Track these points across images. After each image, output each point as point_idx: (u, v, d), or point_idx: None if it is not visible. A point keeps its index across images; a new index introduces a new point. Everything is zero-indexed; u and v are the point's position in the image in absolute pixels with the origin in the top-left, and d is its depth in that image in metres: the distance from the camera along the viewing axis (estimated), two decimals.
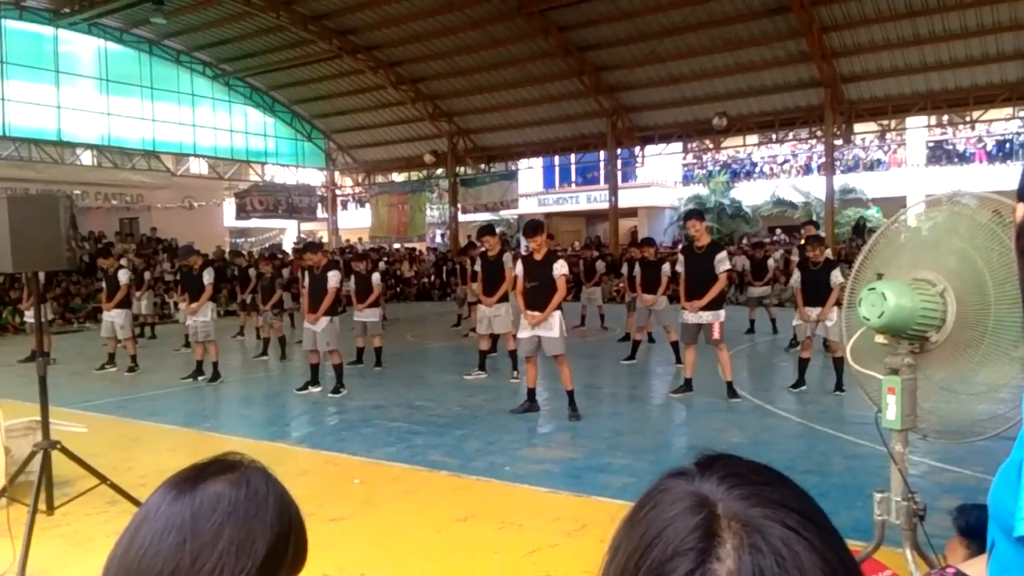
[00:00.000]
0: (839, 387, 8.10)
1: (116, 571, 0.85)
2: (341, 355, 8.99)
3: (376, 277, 10.69)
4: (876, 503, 2.36)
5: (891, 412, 2.25)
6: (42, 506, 4.40)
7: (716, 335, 7.87)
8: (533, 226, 7.62)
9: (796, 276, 8.86)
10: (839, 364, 7.94)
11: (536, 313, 7.25)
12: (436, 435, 6.79)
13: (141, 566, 0.83)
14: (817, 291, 8.30)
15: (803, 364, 8.48)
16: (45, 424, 4.52)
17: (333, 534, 4.35)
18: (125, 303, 10.95)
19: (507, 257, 9.69)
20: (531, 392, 7.63)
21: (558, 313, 7.30)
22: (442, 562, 4.02)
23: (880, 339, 2.20)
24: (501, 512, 4.71)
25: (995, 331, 1.99)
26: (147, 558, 0.83)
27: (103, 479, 4.56)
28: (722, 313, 7.98)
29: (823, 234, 18.93)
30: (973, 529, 1.80)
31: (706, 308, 7.87)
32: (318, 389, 8.97)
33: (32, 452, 4.53)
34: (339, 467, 5.90)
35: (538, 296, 7.31)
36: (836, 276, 8.18)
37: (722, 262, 7.88)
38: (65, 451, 4.53)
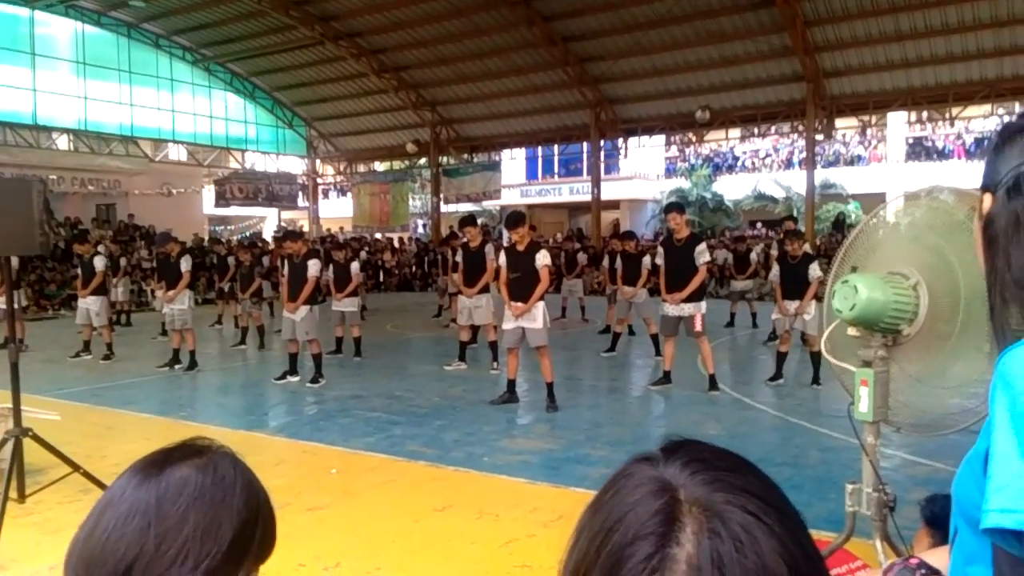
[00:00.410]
0: (816, 380, 8.18)
1: (79, 555, 0.84)
2: (320, 344, 8.95)
3: (355, 267, 10.64)
4: (847, 494, 2.39)
5: (863, 404, 2.28)
6: (13, 494, 4.35)
7: (698, 327, 7.91)
8: (515, 218, 7.62)
9: (775, 270, 8.93)
10: (816, 358, 8.02)
11: (520, 304, 7.25)
12: (415, 425, 6.79)
13: (105, 550, 0.82)
14: (796, 285, 8.38)
15: (781, 358, 8.56)
16: (17, 411, 4.46)
17: (310, 524, 4.33)
18: (101, 290, 10.82)
19: (489, 248, 9.68)
20: (511, 383, 7.63)
21: (541, 304, 7.32)
22: (419, 552, 4.02)
23: (852, 331, 2.22)
24: (479, 502, 4.72)
25: (965, 325, 2.02)
26: (111, 542, 0.83)
27: (76, 467, 4.52)
28: (703, 305, 8.02)
29: (802, 229, 19.11)
30: (938, 519, 1.83)
31: (687, 300, 7.91)
32: (297, 378, 8.93)
33: (3, 439, 4.47)
34: (317, 457, 5.88)
35: (521, 287, 7.32)
36: (814, 270, 8.26)
37: (702, 254, 7.93)
38: (37, 439, 4.48)
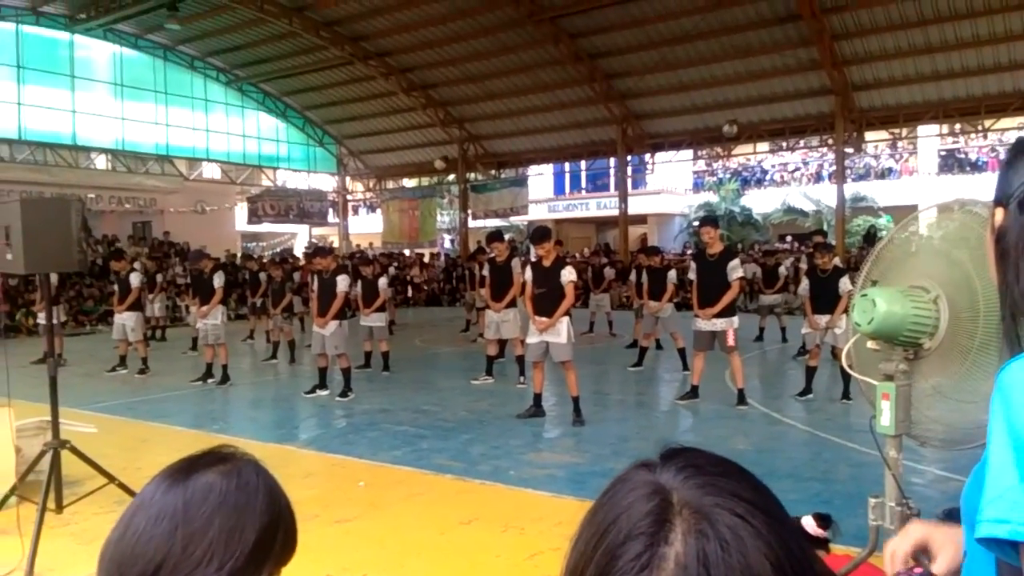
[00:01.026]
0: (846, 395, 8.09)
1: (111, 556, 0.89)
2: (349, 359, 9.05)
3: (383, 282, 10.74)
4: (871, 508, 2.38)
5: (885, 417, 2.27)
6: (51, 505, 4.46)
7: (731, 342, 7.88)
8: (541, 233, 7.66)
9: (805, 284, 8.86)
10: (846, 373, 7.93)
11: (545, 319, 7.28)
12: (442, 439, 6.83)
13: (135, 552, 0.87)
14: (826, 299, 8.31)
15: (810, 372, 8.47)
16: (55, 424, 4.58)
17: (338, 535, 4.39)
18: (137, 306, 11.04)
19: (515, 263, 9.73)
20: (537, 397, 7.65)
21: (566, 319, 7.33)
22: (445, 564, 4.05)
23: (872, 345, 2.22)
24: (504, 516, 4.74)
25: (984, 340, 2.01)
26: (140, 544, 0.87)
27: (111, 479, 4.63)
28: (735, 320, 7.99)
29: (833, 242, 18.91)
30: None
31: (719, 316, 7.88)
32: (326, 392, 9.03)
33: (42, 451, 4.59)
34: (345, 470, 5.94)
35: (547, 302, 7.34)
36: (845, 283, 8.18)
37: (735, 269, 7.90)
38: (75, 451, 4.59)
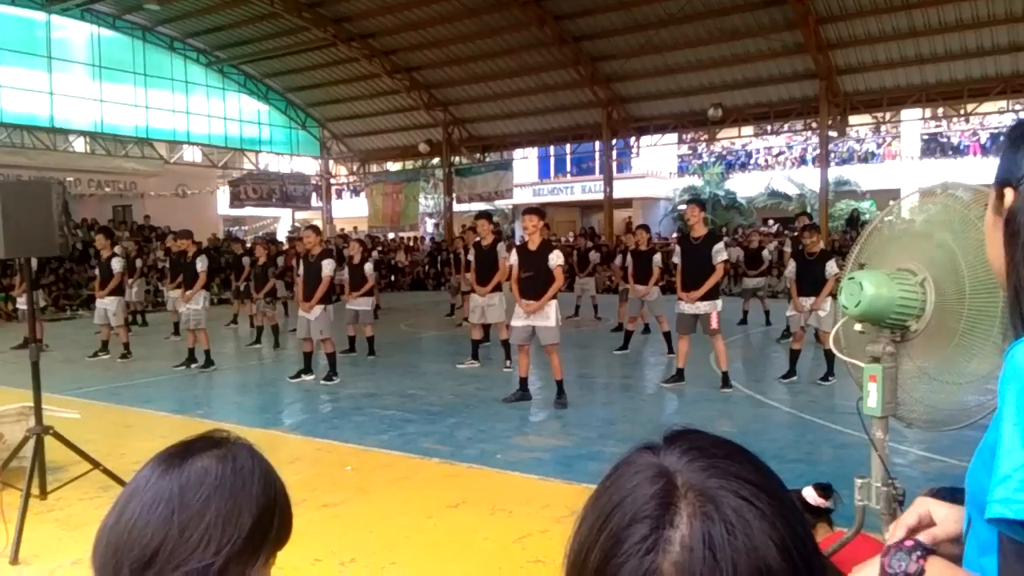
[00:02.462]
0: (827, 376, 8.16)
1: (106, 541, 0.88)
2: (334, 344, 9.02)
3: (369, 267, 10.69)
4: (857, 488, 2.40)
5: (872, 399, 2.29)
6: (35, 491, 4.43)
7: (714, 325, 7.92)
8: (534, 209, 7.64)
9: (791, 266, 8.90)
10: (830, 354, 8.01)
11: (532, 302, 7.27)
12: (428, 423, 6.84)
13: (131, 536, 0.87)
14: (811, 281, 8.36)
15: (794, 355, 8.54)
16: (38, 410, 4.54)
17: (325, 520, 4.39)
18: (118, 291, 10.93)
19: (501, 247, 9.71)
20: (523, 381, 7.66)
21: (554, 303, 7.33)
22: (433, 547, 4.06)
23: (858, 327, 2.23)
24: (492, 499, 4.76)
25: (971, 322, 2.03)
26: (136, 529, 0.87)
27: (96, 464, 4.60)
28: (719, 303, 8.03)
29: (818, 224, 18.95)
30: None
31: (703, 299, 7.91)
32: (311, 377, 9.00)
33: (25, 438, 4.55)
34: (331, 454, 5.94)
35: (534, 286, 7.32)
36: (832, 267, 8.22)
37: (719, 252, 7.92)
38: (58, 436, 4.56)
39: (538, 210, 7.64)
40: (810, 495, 2.80)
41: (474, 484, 5.12)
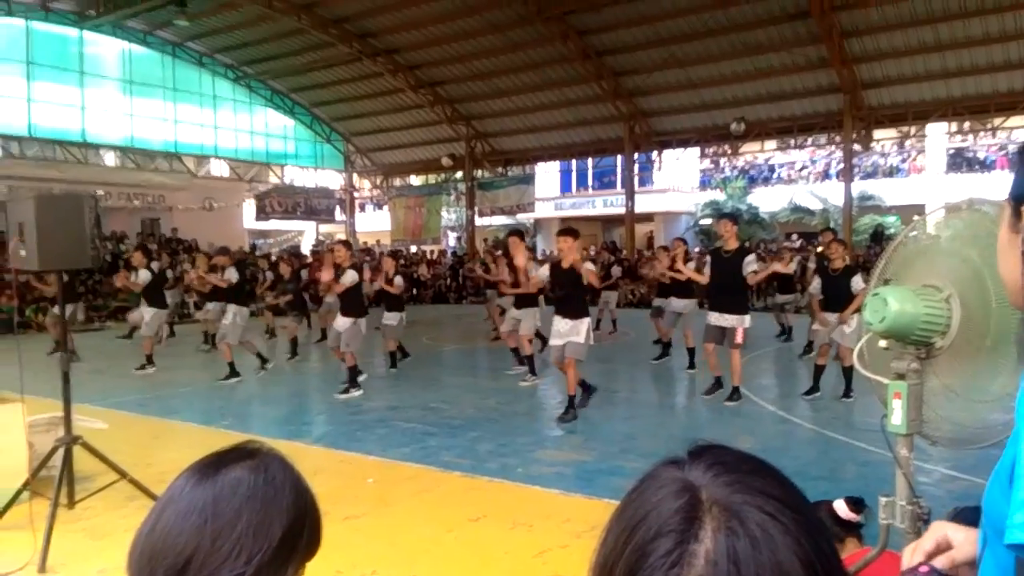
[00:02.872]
0: (847, 394, 8.09)
1: (142, 549, 0.91)
2: (355, 357, 9.04)
3: (399, 280, 10.67)
4: (881, 507, 2.38)
5: (896, 417, 2.27)
6: (63, 500, 4.49)
7: (739, 340, 7.90)
8: (569, 230, 7.71)
9: (816, 283, 8.81)
10: (848, 372, 7.95)
11: (567, 320, 7.32)
12: (450, 436, 6.85)
13: (166, 544, 0.89)
14: (837, 296, 8.25)
15: (818, 371, 8.45)
16: (67, 420, 4.61)
17: (347, 532, 4.41)
18: (158, 302, 11.16)
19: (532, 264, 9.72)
20: (572, 399, 7.49)
21: (588, 320, 7.38)
22: (453, 561, 4.07)
23: (883, 343, 2.22)
24: (512, 513, 4.76)
25: (996, 339, 2.02)
26: (171, 537, 0.89)
27: (123, 474, 4.65)
28: (747, 319, 8.01)
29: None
30: None
31: (732, 312, 7.91)
32: (360, 392, 8.91)
33: (54, 447, 4.62)
34: (354, 466, 5.97)
35: (567, 304, 7.38)
36: (857, 282, 8.11)
37: (750, 264, 7.90)
38: (86, 447, 4.62)
39: (572, 231, 7.64)
40: (841, 508, 2.77)
41: (495, 498, 5.12)
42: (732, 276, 7.90)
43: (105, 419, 6.07)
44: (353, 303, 9.17)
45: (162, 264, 14.77)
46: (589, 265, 7.47)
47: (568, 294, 7.39)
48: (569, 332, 7.31)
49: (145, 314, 11.00)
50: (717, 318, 8.00)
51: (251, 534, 0.90)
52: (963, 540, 1.16)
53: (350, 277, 8.98)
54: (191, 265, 17.07)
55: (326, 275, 9.07)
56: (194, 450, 1.01)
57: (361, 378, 9.23)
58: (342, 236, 31.95)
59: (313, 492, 1.00)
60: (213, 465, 0.95)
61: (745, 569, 0.58)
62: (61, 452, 4.53)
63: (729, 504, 0.62)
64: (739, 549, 0.59)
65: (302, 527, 0.96)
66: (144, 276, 11.01)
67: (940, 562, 1.14)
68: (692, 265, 10.53)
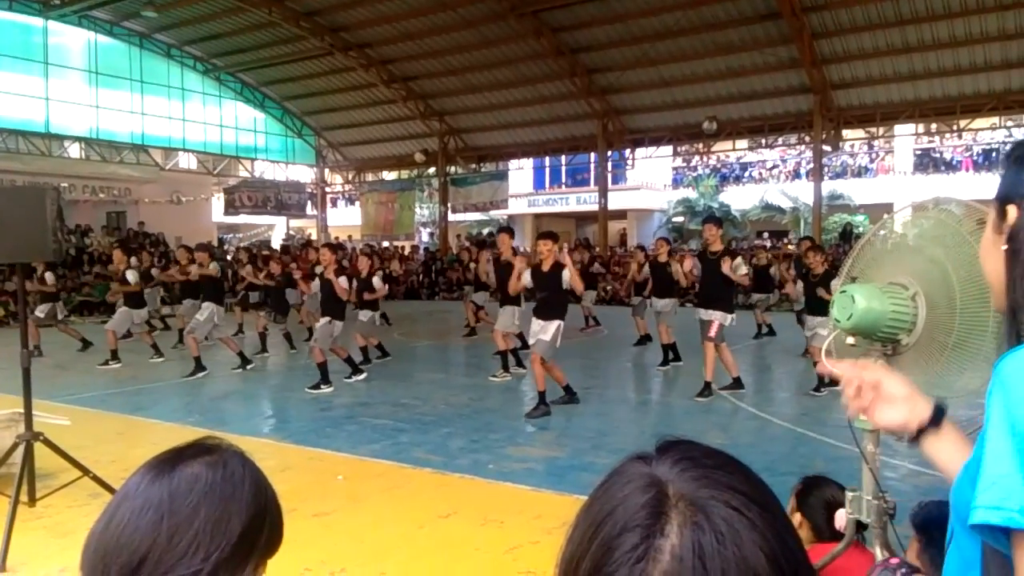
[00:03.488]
0: (818, 388, 8.23)
1: (95, 547, 0.88)
2: (324, 354, 9.01)
3: (378, 280, 10.60)
4: (847, 502, 2.40)
5: None
6: (24, 498, 4.40)
7: (712, 333, 8.08)
8: (548, 233, 7.97)
9: (799, 288, 9.03)
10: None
11: (542, 321, 7.57)
12: (421, 433, 6.82)
13: (120, 542, 0.86)
14: (821, 301, 8.37)
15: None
16: (28, 416, 4.51)
17: (316, 529, 4.37)
18: (140, 302, 11.19)
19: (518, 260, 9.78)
20: (542, 396, 7.59)
21: (558, 323, 7.52)
22: (424, 558, 4.05)
23: (850, 340, 2.24)
24: (483, 509, 4.75)
25: (962, 337, 2.04)
26: (125, 535, 0.86)
27: (85, 471, 4.57)
28: (729, 317, 8.19)
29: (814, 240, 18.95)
30: (924, 524, 1.85)
31: (714, 308, 8.14)
32: (360, 378, 9.30)
33: (15, 444, 4.53)
34: (323, 463, 5.92)
35: (545, 306, 7.60)
36: (836, 285, 8.24)
37: (739, 267, 8.17)
38: (48, 443, 4.53)
39: (552, 234, 7.93)
40: (841, 520, 2.74)
41: (466, 494, 5.11)
42: (718, 276, 8.14)
43: (68, 415, 5.95)
44: (332, 304, 9.26)
45: (144, 263, 14.61)
46: (570, 273, 7.58)
47: (547, 297, 7.60)
48: (539, 332, 7.51)
49: (119, 312, 11.05)
50: (703, 313, 8.25)
51: (209, 531, 0.88)
52: (891, 381, 1.21)
53: (346, 282, 9.18)
54: (156, 260, 16.86)
55: (305, 286, 9.14)
56: (159, 447, 0.98)
57: (360, 377, 9.37)
58: (312, 231, 31.77)
59: (274, 489, 0.97)
60: (170, 461, 0.93)
61: (711, 564, 0.58)
62: (22, 449, 4.44)
63: (695, 499, 0.62)
64: (704, 544, 0.59)
65: (262, 523, 0.93)
66: (132, 277, 10.97)
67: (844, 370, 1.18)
68: (689, 264, 10.51)
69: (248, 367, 10.28)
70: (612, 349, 11.34)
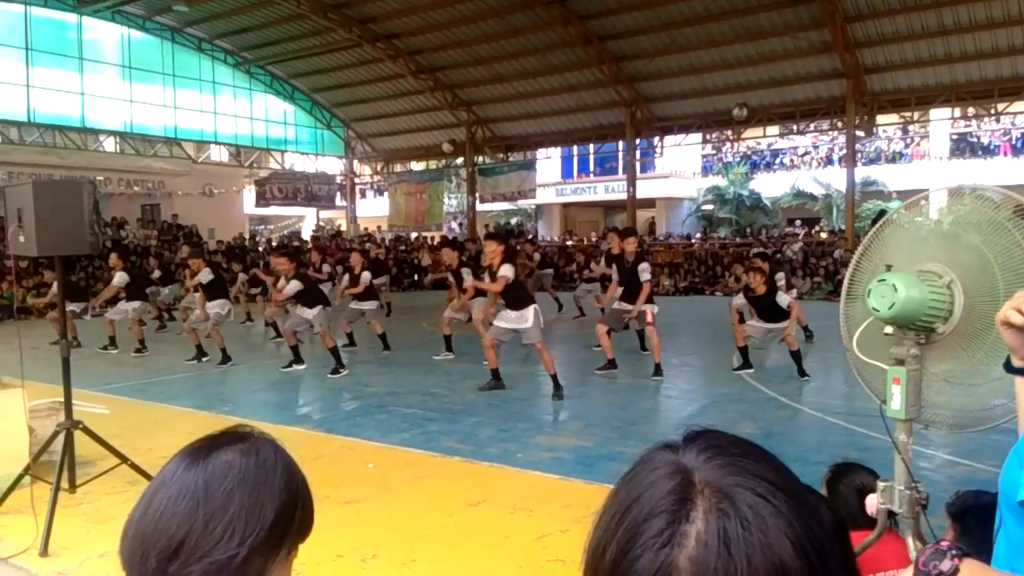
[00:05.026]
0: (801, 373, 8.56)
1: (134, 533, 0.90)
2: (333, 338, 9.56)
3: (366, 275, 10.91)
4: (880, 492, 2.38)
5: (895, 402, 2.27)
6: (65, 484, 4.50)
7: (648, 319, 8.83)
8: (493, 235, 8.76)
9: (741, 301, 9.33)
10: (796, 355, 8.71)
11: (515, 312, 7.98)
12: (450, 421, 6.86)
13: (157, 528, 0.89)
14: (769, 309, 8.88)
15: (796, 355, 8.81)
16: (68, 405, 4.62)
17: (347, 517, 4.42)
18: (140, 296, 11.76)
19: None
20: (555, 378, 7.84)
21: (534, 307, 7.83)
22: (453, 545, 4.08)
23: (888, 330, 2.21)
24: (512, 498, 4.77)
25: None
26: (163, 521, 0.89)
27: (124, 459, 4.66)
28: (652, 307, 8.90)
29: (843, 226, 18.73)
30: (960, 513, 1.83)
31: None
32: (303, 367, 9.64)
33: (55, 432, 4.63)
34: (354, 452, 5.98)
35: (513, 299, 7.96)
36: (783, 299, 8.79)
37: (644, 271, 8.82)
38: (87, 431, 4.63)
39: (496, 235, 8.38)
40: (872, 505, 2.71)
41: (495, 483, 5.13)
42: (632, 280, 8.83)
43: (105, 404, 6.08)
44: (316, 293, 9.85)
45: (150, 267, 15.08)
46: (509, 271, 7.93)
47: (507, 291, 7.97)
48: (517, 320, 7.82)
49: (128, 310, 11.58)
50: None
51: (243, 516, 0.90)
52: None
53: (294, 287, 9.58)
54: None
55: (278, 297, 10.03)
56: (193, 435, 1.00)
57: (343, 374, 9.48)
58: (342, 222, 32.00)
59: (304, 475, 0.99)
60: (204, 449, 0.95)
61: (736, 550, 0.59)
62: (62, 437, 4.54)
63: (721, 486, 0.62)
64: (730, 530, 0.59)
65: (294, 509, 0.95)
66: (120, 279, 11.31)
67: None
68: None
69: (204, 359, 10.40)
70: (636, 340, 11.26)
